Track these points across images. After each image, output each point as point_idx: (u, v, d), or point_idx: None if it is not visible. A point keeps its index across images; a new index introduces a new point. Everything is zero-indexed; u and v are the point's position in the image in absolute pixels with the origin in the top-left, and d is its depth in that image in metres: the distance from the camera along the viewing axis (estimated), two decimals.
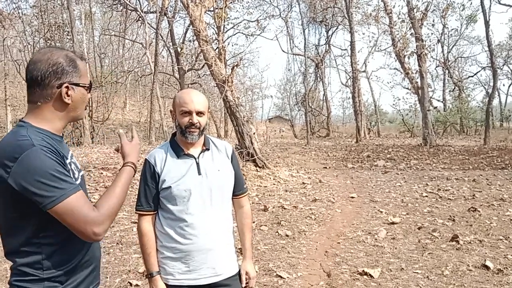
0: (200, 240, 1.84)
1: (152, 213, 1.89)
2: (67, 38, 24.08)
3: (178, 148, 1.91)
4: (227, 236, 1.96)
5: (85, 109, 1.50)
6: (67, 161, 1.42)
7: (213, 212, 1.88)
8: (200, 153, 1.92)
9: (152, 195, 1.87)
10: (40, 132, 1.38)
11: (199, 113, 1.86)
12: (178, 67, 23.01)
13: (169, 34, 24.71)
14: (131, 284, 3.80)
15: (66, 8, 22.16)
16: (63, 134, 1.56)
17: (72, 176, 1.39)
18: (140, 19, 23.66)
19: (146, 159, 1.90)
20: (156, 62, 21.90)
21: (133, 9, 23.27)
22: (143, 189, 1.87)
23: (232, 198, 2.03)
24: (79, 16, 27.02)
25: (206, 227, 1.86)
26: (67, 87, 1.42)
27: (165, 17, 21.65)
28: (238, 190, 2.04)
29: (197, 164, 1.89)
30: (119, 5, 24.38)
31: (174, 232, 1.85)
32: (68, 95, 1.42)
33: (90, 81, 1.51)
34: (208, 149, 1.95)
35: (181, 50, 22.59)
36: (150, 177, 1.87)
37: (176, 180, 1.84)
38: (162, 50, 27.99)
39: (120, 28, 30.20)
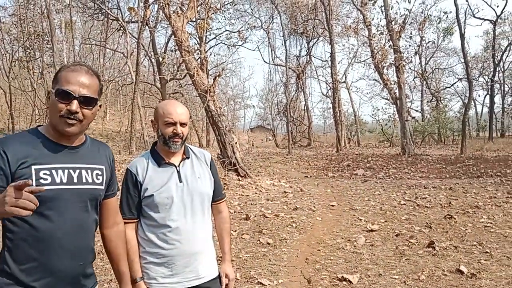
0: (182, 245, 1.91)
1: (134, 221, 1.95)
2: (46, 47, 23.85)
3: (159, 157, 1.97)
4: (208, 241, 2.03)
5: (63, 117, 1.49)
6: (33, 167, 1.44)
7: (194, 218, 1.96)
8: (181, 162, 1.99)
9: (134, 203, 1.93)
10: (32, 133, 1.52)
11: (182, 124, 1.93)
12: (159, 77, 22.99)
13: (150, 44, 24.70)
14: None
15: (46, 17, 21.97)
16: (80, 144, 1.61)
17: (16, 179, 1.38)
18: (121, 28, 23.62)
19: (128, 168, 1.96)
20: (138, 71, 21.81)
21: (114, 18, 23.21)
22: (126, 197, 1.91)
23: (211, 204, 2.10)
24: (59, 25, 26.80)
25: (188, 232, 1.93)
26: (48, 94, 1.53)
27: (146, 27, 21.67)
28: (217, 196, 2.11)
29: (178, 172, 1.96)
30: (100, 14, 24.29)
31: (157, 238, 1.91)
32: (48, 100, 1.53)
33: (60, 89, 1.48)
34: (188, 158, 2.02)
35: (162, 60, 22.65)
36: (132, 186, 1.92)
37: (158, 188, 1.90)
38: (144, 59, 27.93)
39: (101, 37, 30.01)
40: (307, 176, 12.93)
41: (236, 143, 11.06)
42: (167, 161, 1.97)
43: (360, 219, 6.78)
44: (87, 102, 1.51)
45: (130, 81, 26.96)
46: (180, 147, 1.96)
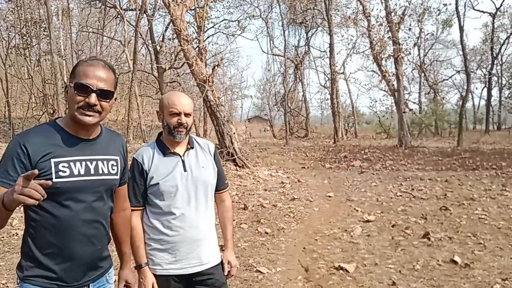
0: (186, 232, 1.97)
1: (140, 208, 2.01)
2: (43, 34, 23.67)
3: (164, 147, 2.02)
4: (211, 228, 2.10)
5: (82, 109, 1.55)
6: (52, 160, 1.51)
7: (197, 206, 2.01)
8: (185, 152, 2.04)
9: (140, 191, 1.98)
10: (51, 125, 1.60)
11: (187, 114, 1.98)
12: (157, 66, 22.90)
13: (148, 32, 24.55)
14: None
15: (43, 3, 21.77)
16: (97, 136, 1.67)
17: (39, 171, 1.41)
18: (119, 16, 23.45)
19: (134, 157, 2.01)
20: (135, 60, 21.68)
21: (112, 6, 23.03)
22: (132, 186, 1.96)
23: (214, 193, 2.16)
24: (56, 12, 26.56)
25: (192, 220, 1.99)
26: (66, 87, 1.60)
27: (144, 15, 21.53)
28: (220, 186, 2.17)
29: (183, 161, 2.01)
30: (97, 1, 24.10)
31: (162, 225, 1.97)
32: (66, 94, 1.61)
33: (78, 82, 1.54)
34: (192, 148, 2.07)
35: (160, 49, 22.54)
36: (138, 174, 1.98)
37: (163, 177, 1.96)
38: (141, 48, 27.81)
39: (98, 25, 29.81)
40: (304, 167, 13.00)
41: (234, 133, 11.10)
42: (172, 151, 2.02)
43: (357, 210, 6.86)
44: (105, 95, 1.58)
45: (127, 70, 26.87)
46: (185, 137, 2.02)
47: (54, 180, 1.50)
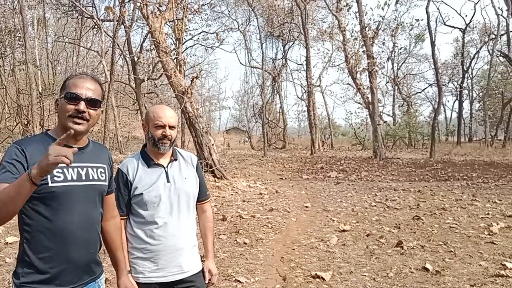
0: (168, 241, 2.04)
1: (124, 217, 2.07)
2: (18, 43, 23.30)
3: (148, 159, 2.10)
4: (192, 238, 2.17)
5: (72, 117, 1.67)
6: None
7: (180, 216, 2.09)
8: (169, 163, 2.13)
9: (124, 201, 2.05)
10: (43, 136, 1.71)
11: (171, 127, 2.07)
12: (134, 77, 22.81)
13: (126, 43, 24.46)
14: None
15: (19, 12, 21.47)
16: (85, 146, 1.79)
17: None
18: (96, 27, 23.31)
19: (119, 168, 2.08)
20: (112, 70, 21.61)
21: (89, 16, 22.90)
22: (116, 195, 2.02)
23: (196, 204, 2.24)
24: (32, 21, 26.20)
25: (174, 229, 2.06)
26: (56, 101, 1.72)
27: (122, 26, 21.48)
28: (201, 197, 2.26)
29: (166, 172, 2.09)
30: (74, 12, 23.91)
31: (144, 234, 2.04)
32: (56, 107, 1.72)
33: (69, 92, 1.68)
34: (176, 160, 2.15)
35: (138, 60, 22.47)
36: (123, 184, 2.05)
37: (147, 187, 2.03)
38: (119, 58, 27.64)
39: (75, 35, 29.52)
40: (282, 178, 13.14)
41: (213, 144, 11.17)
42: (156, 162, 2.10)
43: (333, 220, 7.01)
44: (93, 103, 1.70)
45: (104, 80, 26.65)
46: (169, 148, 2.10)
47: (50, 184, 1.59)
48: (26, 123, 19.48)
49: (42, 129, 21.68)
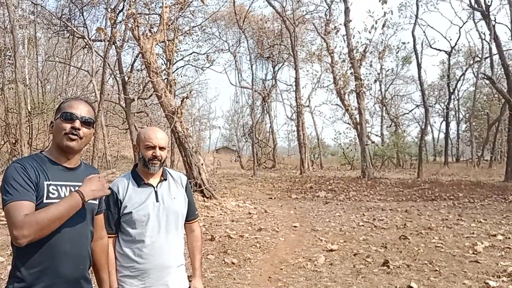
0: (156, 259, 2.10)
1: (113, 236, 2.13)
2: (8, 62, 23.30)
3: (139, 178, 2.18)
4: (180, 257, 2.23)
5: (67, 134, 1.79)
6: (45, 182, 1.72)
7: (168, 235, 2.15)
8: (159, 183, 2.20)
9: (114, 219, 2.11)
10: (39, 156, 1.81)
11: (161, 148, 2.16)
12: (124, 97, 22.87)
13: (116, 63, 24.60)
14: None
15: (10, 32, 21.55)
16: (77, 166, 1.90)
17: (36, 192, 1.68)
18: (87, 46, 23.44)
19: (109, 187, 2.14)
20: (102, 90, 21.65)
21: (80, 36, 23.04)
22: (106, 214, 2.09)
23: (185, 224, 2.31)
24: (22, 40, 26.25)
25: (162, 248, 2.12)
26: (51, 123, 1.83)
27: (113, 46, 21.63)
28: (190, 216, 2.33)
29: (156, 192, 2.17)
30: (65, 31, 24.06)
31: (132, 253, 2.09)
32: (51, 129, 1.84)
33: (65, 112, 1.81)
34: (165, 179, 2.23)
35: (128, 79, 22.57)
36: (113, 203, 2.11)
37: (136, 206, 2.10)
38: (109, 78, 27.73)
39: (65, 54, 29.61)
40: (271, 198, 13.19)
41: (202, 164, 11.22)
42: (146, 182, 2.17)
43: (321, 240, 7.06)
44: (87, 122, 1.84)
45: (94, 100, 26.63)
46: (159, 169, 2.18)
47: (45, 201, 1.69)
48: (14, 142, 19.33)
49: (30, 148, 21.53)
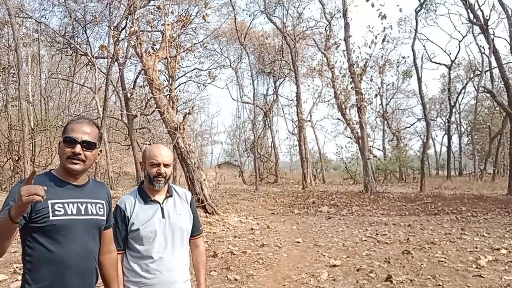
0: (163, 275, 2.15)
1: (121, 252, 2.18)
2: (12, 80, 23.54)
3: (145, 195, 2.23)
4: (185, 272, 2.28)
5: (69, 158, 1.85)
6: (49, 201, 1.77)
7: (174, 251, 2.20)
8: (164, 199, 2.26)
9: (122, 236, 2.16)
10: (46, 175, 1.88)
11: (166, 165, 2.21)
12: (127, 113, 23.02)
13: (119, 79, 24.82)
14: None
15: (14, 50, 21.82)
16: (85, 183, 1.96)
17: (34, 211, 1.73)
18: (90, 63, 23.69)
19: (117, 204, 2.21)
20: (105, 106, 21.79)
21: (83, 53, 23.31)
22: (114, 231, 2.14)
23: (189, 239, 2.35)
24: (26, 58, 26.55)
25: (168, 263, 2.17)
26: (59, 143, 1.91)
27: (116, 63, 21.86)
28: (195, 232, 2.38)
29: (162, 209, 2.22)
30: (69, 49, 24.35)
31: (140, 269, 2.14)
32: (58, 149, 1.92)
33: (67, 137, 1.87)
34: (171, 196, 2.29)
35: (131, 96, 22.74)
36: (120, 220, 2.17)
37: (143, 223, 2.15)
38: (112, 94, 27.92)
39: (68, 71, 29.89)
40: (273, 213, 13.16)
41: (204, 180, 11.24)
42: (152, 199, 2.23)
43: (324, 255, 7.05)
44: (88, 146, 1.89)
45: (96, 116, 26.78)
46: (164, 185, 2.24)
47: (51, 218, 1.76)
48: (17, 159, 19.44)
49: (33, 165, 21.60)
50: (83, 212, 1.87)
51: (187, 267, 2.29)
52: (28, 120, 20.10)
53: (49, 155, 24.48)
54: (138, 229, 2.14)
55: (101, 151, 2.00)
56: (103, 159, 22.90)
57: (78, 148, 1.85)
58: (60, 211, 1.79)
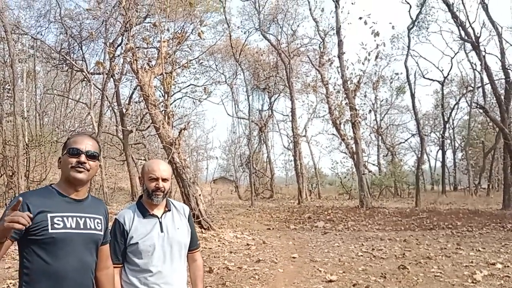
0: None
1: (120, 266, 2.19)
2: (7, 95, 23.54)
3: (144, 209, 2.26)
4: (183, 285, 2.29)
5: (74, 168, 1.89)
6: (49, 214, 1.80)
7: (172, 264, 2.22)
8: (163, 214, 2.28)
9: (120, 250, 2.18)
10: (47, 189, 1.91)
11: (164, 180, 2.24)
12: (122, 128, 23.03)
13: (114, 95, 24.87)
14: None
15: (9, 66, 21.86)
16: (84, 198, 1.98)
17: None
18: (86, 79, 23.75)
19: (116, 218, 2.22)
20: (100, 122, 21.81)
21: (79, 69, 23.38)
22: (113, 244, 2.16)
23: (187, 253, 2.36)
24: (21, 73, 26.58)
25: (167, 277, 2.18)
26: (59, 159, 1.93)
27: (111, 79, 21.94)
28: (192, 246, 2.39)
29: (160, 223, 2.24)
30: (64, 65, 24.43)
31: (139, 282, 2.15)
32: (59, 164, 1.94)
33: (71, 148, 1.92)
34: (169, 210, 2.31)
35: (126, 111, 22.78)
36: (119, 234, 2.19)
37: (142, 237, 2.17)
38: (107, 110, 27.95)
39: (64, 87, 29.93)
40: (269, 228, 13.12)
41: (200, 195, 11.22)
42: (151, 213, 2.25)
43: (320, 270, 7.02)
44: (92, 156, 1.94)
45: (91, 132, 26.74)
46: (162, 200, 2.26)
47: (50, 231, 1.79)
48: (11, 174, 19.31)
49: (27, 180, 21.45)
50: (82, 226, 1.89)
51: (185, 281, 2.31)
52: (22, 135, 20.04)
53: (43, 170, 24.33)
54: (137, 243, 2.16)
55: (100, 165, 2.03)
56: (98, 175, 22.77)
57: (83, 158, 1.90)
58: (59, 224, 1.82)
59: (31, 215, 1.60)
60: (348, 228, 12.79)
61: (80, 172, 1.89)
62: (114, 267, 2.15)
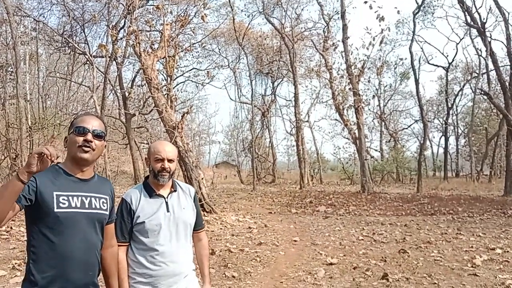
0: (168, 266, 2.21)
1: (126, 244, 2.24)
2: (9, 78, 23.54)
3: (150, 189, 2.30)
4: (190, 263, 2.35)
5: (80, 147, 1.91)
6: (54, 192, 1.84)
7: (178, 243, 2.27)
8: (169, 194, 2.32)
9: (127, 229, 2.22)
10: (53, 167, 1.92)
11: (170, 160, 2.28)
12: (125, 112, 23.02)
13: (117, 79, 24.82)
14: None
15: (12, 48, 21.79)
16: (90, 178, 2.01)
17: (38, 199, 1.80)
18: (88, 62, 23.67)
19: (123, 198, 2.27)
20: (103, 105, 21.80)
21: (81, 52, 23.28)
22: (119, 223, 2.20)
23: (192, 233, 2.41)
24: (24, 56, 26.51)
25: (173, 255, 2.23)
26: (65, 138, 1.96)
27: (114, 62, 21.86)
28: (197, 226, 2.44)
29: (166, 203, 2.28)
30: (67, 47, 24.32)
31: (146, 260, 2.20)
32: (65, 143, 1.96)
33: (78, 126, 1.94)
34: (175, 191, 2.35)
35: (129, 95, 22.75)
36: (126, 213, 2.23)
37: (148, 216, 2.21)
38: (110, 93, 27.94)
39: (66, 70, 29.86)
40: (271, 212, 13.22)
41: (202, 178, 11.29)
42: (157, 193, 2.29)
43: (321, 253, 7.11)
44: (98, 135, 1.96)
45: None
46: (168, 180, 2.30)
47: (55, 210, 1.82)
48: (14, 157, 19.39)
49: None
50: (86, 206, 1.92)
51: (191, 259, 2.36)
52: (25, 118, 20.10)
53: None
54: (144, 222, 2.20)
55: (106, 146, 2.07)
56: (101, 158, 22.88)
57: (89, 136, 1.92)
58: (64, 203, 1.85)
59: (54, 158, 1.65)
60: (349, 213, 12.88)
61: (86, 152, 1.91)
62: (119, 245, 2.19)
